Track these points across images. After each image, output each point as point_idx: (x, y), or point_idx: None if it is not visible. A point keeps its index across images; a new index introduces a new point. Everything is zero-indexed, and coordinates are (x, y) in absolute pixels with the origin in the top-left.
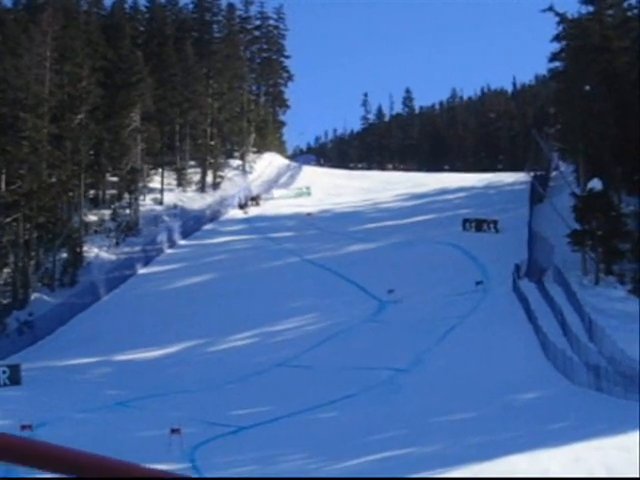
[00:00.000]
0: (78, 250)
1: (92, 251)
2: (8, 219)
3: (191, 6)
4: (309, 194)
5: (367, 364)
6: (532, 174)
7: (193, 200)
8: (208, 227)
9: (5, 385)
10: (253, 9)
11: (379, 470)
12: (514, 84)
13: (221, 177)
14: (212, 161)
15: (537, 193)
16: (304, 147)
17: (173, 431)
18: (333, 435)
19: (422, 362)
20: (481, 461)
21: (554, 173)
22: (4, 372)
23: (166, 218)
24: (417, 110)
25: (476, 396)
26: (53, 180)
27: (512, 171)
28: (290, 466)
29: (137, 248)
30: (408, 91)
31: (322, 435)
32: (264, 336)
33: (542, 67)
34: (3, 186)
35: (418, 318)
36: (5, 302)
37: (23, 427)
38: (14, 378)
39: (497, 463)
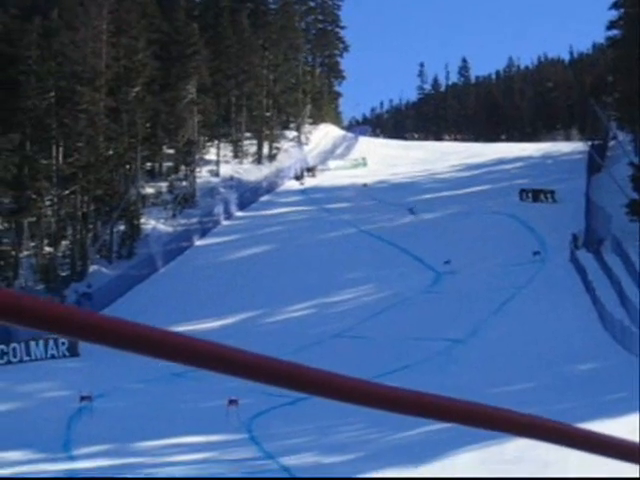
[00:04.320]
0: (135, 222)
1: (149, 223)
2: (66, 192)
3: None
4: (365, 165)
5: (424, 335)
6: (590, 143)
7: (249, 172)
8: (264, 199)
9: (64, 357)
10: None
11: (434, 441)
12: (571, 53)
13: (277, 149)
14: (268, 133)
15: (595, 163)
16: (360, 118)
17: (231, 402)
18: None
19: (479, 333)
20: None
21: (612, 142)
22: (63, 344)
23: (222, 190)
24: (473, 80)
25: (533, 367)
26: (110, 153)
27: (569, 141)
28: (348, 436)
29: (194, 220)
30: (464, 61)
31: None
32: (321, 307)
33: (600, 35)
34: (61, 159)
35: (475, 289)
36: (64, 274)
37: (82, 398)
38: (73, 350)
39: None
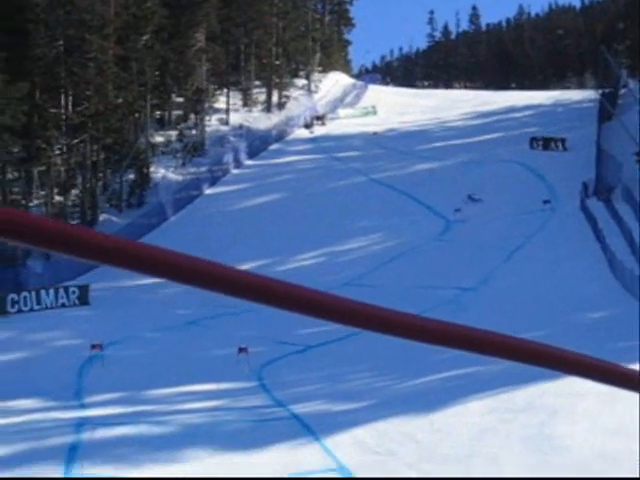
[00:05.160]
0: (145, 171)
1: (159, 172)
2: (75, 140)
3: None
4: (375, 113)
5: (434, 283)
6: (600, 91)
7: (259, 120)
8: (274, 147)
9: (75, 305)
10: None
11: (444, 389)
12: (582, 0)
13: (287, 97)
14: (277, 81)
15: (605, 111)
16: (369, 66)
17: (241, 350)
18: (400, 354)
19: (489, 281)
20: (546, 380)
21: (623, 90)
22: (73, 292)
23: (232, 138)
24: (484, 27)
25: (543, 315)
26: (119, 101)
27: (583, 88)
28: (357, 384)
29: (203, 169)
30: (475, 8)
31: (389, 354)
32: (330, 255)
33: None
34: (70, 107)
35: (485, 237)
36: (74, 223)
37: (93, 346)
38: (83, 298)
39: (563, 382)
